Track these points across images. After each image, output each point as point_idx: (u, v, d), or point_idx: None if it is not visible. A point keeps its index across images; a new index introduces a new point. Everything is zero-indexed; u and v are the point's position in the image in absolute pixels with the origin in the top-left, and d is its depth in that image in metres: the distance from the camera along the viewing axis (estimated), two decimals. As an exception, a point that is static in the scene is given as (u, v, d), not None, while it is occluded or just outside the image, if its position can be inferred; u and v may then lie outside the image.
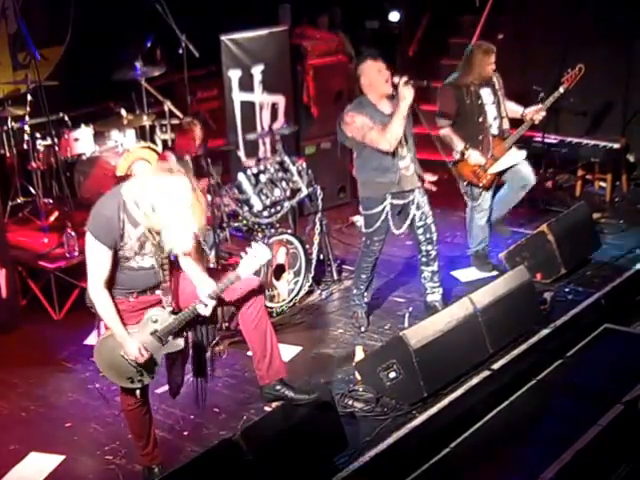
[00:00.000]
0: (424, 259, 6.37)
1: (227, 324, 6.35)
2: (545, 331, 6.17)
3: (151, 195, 4.17)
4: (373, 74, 5.97)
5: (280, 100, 8.42)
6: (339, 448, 4.90)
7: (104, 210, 4.29)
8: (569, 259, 6.94)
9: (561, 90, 6.94)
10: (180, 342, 4.52)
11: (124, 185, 4.33)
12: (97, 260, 4.30)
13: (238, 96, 8.24)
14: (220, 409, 5.50)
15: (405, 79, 5.83)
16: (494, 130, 6.88)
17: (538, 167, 8.79)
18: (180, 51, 7.04)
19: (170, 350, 4.53)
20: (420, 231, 6.26)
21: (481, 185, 6.89)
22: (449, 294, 6.57)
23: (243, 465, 4.40)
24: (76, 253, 6.90)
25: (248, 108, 8.32)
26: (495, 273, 6.98)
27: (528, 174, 7.05)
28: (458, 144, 6.78)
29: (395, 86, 5.90)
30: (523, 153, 7.02)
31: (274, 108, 8.43)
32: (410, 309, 6.55)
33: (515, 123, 7.06)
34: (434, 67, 10.47)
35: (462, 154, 6.78)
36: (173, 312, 4.44)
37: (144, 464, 4.84)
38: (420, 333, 5.46)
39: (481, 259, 7.19)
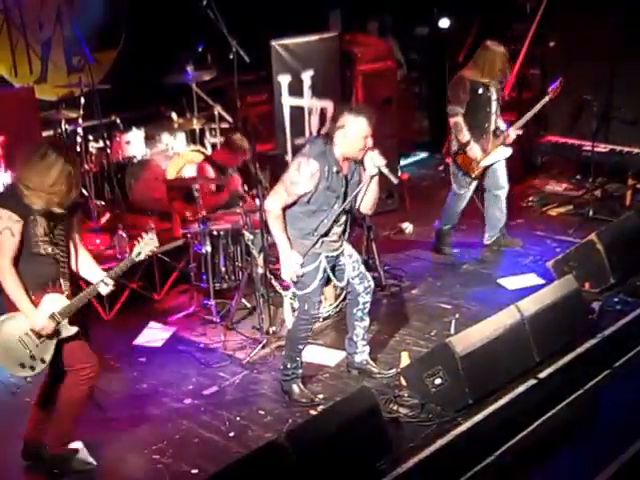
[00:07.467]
0: (359, 313, 5.70)
1: (274, 328, 6.41)
2: (593, 341, 6.12)
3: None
4: (357, 135, 5.24)
5: (329, 105, 8.46)
6: (383, 453, 4.90)
7: None
8: (618, 269, 6.86)
9: (546, 99, 7.46)
10: (74, 328, 4.71)
11: None
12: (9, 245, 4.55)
13: (287, 101, 8.30)
14: (266, 411, 5.54)
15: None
16: (492, 124, 7.41)
17: (588, 176, 8.75)
18: (231, 56, 7.14)
19: (65, 335, 4.69)
20: (357, 281, 5.62)
21: (473, 176, 7.46)
22: (495, 302, 6.53)
23: (287, 467, 4.42)
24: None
25: (297, 113, 8.37)
26: (454, 251, 7.75)
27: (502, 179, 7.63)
28: (465, 135, 7.31)
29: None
30: (509, 150, 7.51)
31: (323, 113, 8.47)
32: (457, 316, 6.53)
33: None
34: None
35: (465, 145, 7.32)
36: (69, 297, 4.67)
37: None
38: (466, 340, 5.45)
39: (444, 238, 7.81)
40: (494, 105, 7.38)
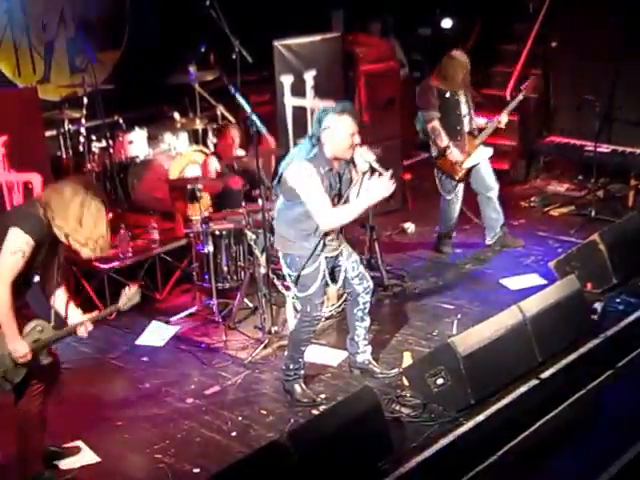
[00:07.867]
0: (360, 314, 5.69)
1: (276, 328, 6.41)
2: (595, 341, 6.12)
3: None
4: (344, 134, 5.24)
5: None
6: (385, 453, 4.91)
7: None
8: (620, 269, 6.86)
9: (520, 97, 7.65)
10: (48, 359, 4.68)
11: None
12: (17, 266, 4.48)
13: (290, 101, 8.30)
14: (268, 411, 5.55)
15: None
16: (465, 126, 7.51)
17: (590, 176, 8.75)
18: (233, 56, 7.18)
19: (41, 364, 4.64)
20: (356, 282, 5.60)
21: (457, 178, 7.53)
22: (497, 302, 6.53)
23: (289, 467, 4.42)
24: (129, 254, 7.02)
25: (300, 113, 8.37)
26: (456, 251, 7.83)
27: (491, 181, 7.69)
28: (444, 139, 7.39)
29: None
30: (490, 150, 7.63)
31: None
32: (459, 316, 6.55)
33: None
34: (486, 74, 10.46)
35: (445, 150, 7.40)
36: (54, 327, 4.66)
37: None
38: (468, 340, 5.46)
39: (444, 239, 7.89)
40: (464, 107, 7.50)
